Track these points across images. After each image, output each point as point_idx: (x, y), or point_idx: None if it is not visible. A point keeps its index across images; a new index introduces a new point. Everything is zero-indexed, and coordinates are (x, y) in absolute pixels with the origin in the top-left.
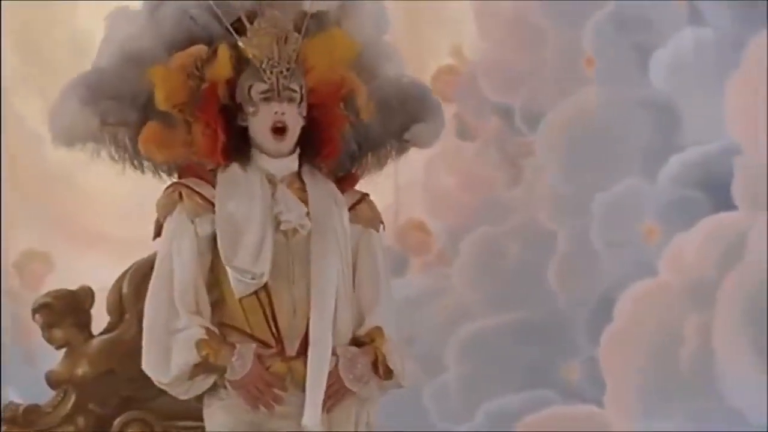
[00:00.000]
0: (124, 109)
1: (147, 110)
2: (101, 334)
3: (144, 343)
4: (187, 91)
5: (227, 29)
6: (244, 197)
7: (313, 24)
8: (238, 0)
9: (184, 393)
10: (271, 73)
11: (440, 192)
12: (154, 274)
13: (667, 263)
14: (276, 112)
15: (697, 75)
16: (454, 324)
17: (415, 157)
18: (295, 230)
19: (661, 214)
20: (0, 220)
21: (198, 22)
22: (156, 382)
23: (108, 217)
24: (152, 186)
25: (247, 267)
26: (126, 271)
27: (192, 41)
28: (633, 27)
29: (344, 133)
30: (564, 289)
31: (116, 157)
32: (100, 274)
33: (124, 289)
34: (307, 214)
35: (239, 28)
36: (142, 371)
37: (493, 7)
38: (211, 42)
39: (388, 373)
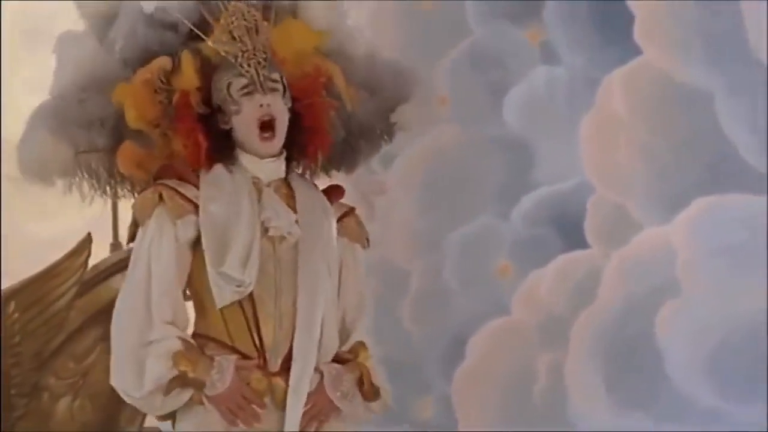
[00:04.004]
0: (94, 135)
1: (118, 132)
2: None
3: (113, 355)
4: (157, 107)
5: (192, 31)
6: (230, 200)
7: (271, 15)
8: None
9: (157, 409)
10: (249, 65)
11: None
12: (127, 280)
13: (520, 301)
14: (261, 105)
15: (551, 114)
16: None
17: None
18: (282, 238)
19: (514, 252)
20: None
21: (153, 34)
22: (125, 398)
23: None
24: None
25: (235, 274)
26: None
27: (150, 54)
28: (487, 66)
29: (331, 119)
30: (417, 327)
31: (88, 189)
32: None
33: None
34: (296, 221)
35: (203, 29)
36: None
37: None
38: (171, 52)
39: (374, 391)
